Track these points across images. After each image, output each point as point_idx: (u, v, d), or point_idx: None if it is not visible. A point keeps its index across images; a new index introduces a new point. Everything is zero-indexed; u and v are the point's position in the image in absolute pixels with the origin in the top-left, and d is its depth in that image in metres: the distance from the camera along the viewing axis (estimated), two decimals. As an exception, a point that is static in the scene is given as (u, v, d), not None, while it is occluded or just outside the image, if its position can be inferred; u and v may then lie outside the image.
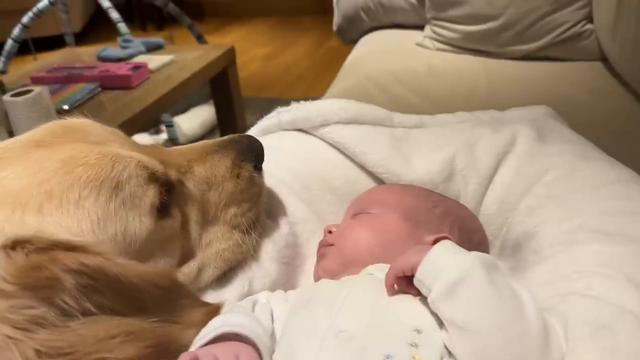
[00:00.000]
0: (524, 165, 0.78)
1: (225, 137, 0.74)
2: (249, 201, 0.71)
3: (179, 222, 0.63)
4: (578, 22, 1.57)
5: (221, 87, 2.24)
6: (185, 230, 0.65)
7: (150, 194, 0.58)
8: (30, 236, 0.48)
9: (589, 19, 1.57)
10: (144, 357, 0.47)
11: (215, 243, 0.68)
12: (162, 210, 0.60)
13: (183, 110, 2.77)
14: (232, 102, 2.27)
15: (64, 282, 0.47)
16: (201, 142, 0.73)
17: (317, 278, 0.74)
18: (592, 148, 0.84)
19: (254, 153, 0.73)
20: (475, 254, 0.55)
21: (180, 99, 2.00)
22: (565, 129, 0.87)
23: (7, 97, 1.40)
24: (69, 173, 0.53)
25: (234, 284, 0.68)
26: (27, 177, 0.52)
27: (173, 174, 0.64)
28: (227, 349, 0.49)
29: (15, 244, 0.47)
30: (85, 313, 0.48)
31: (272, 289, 0.71)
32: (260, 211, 0.74)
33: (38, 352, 0.45)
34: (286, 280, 0.75)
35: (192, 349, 0.52)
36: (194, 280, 0.65)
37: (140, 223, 0.57)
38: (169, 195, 0.62)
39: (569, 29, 1.58)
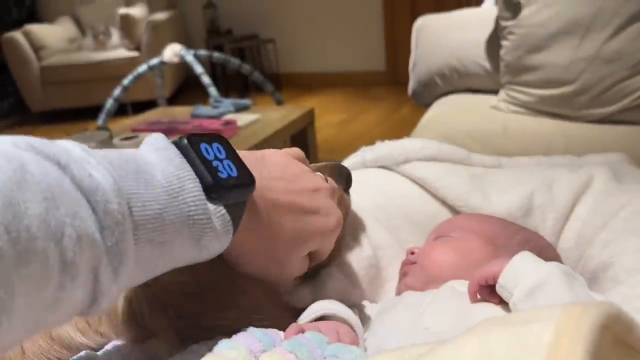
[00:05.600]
0: (601, 201, 0.81)
1: (318, 163, 0.83)
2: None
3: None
4: (655, 87, 1.59)
5: (301, 145, 2.39)
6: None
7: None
8: None
9: (666, 84, 1.59)
10: None
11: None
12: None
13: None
14: (310, 159, 2.40)
15: None
16: (299, 165, 0.82)
17: (399, 294, 0.78)
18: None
19: (344, 177, 0.81)
20: (554, 263, 0.59)
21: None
22: (641, 172, 0.90)
23: (117, 141, 1.58)
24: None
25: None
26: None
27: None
28: (328, 325, 0.55)
29: None
30: None
31: (357, 302, 0.76)
32: (344, 230, 0.81)
33: None
34: (368, 297, 0.81)
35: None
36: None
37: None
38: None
39: (645, 93, 1.61)
